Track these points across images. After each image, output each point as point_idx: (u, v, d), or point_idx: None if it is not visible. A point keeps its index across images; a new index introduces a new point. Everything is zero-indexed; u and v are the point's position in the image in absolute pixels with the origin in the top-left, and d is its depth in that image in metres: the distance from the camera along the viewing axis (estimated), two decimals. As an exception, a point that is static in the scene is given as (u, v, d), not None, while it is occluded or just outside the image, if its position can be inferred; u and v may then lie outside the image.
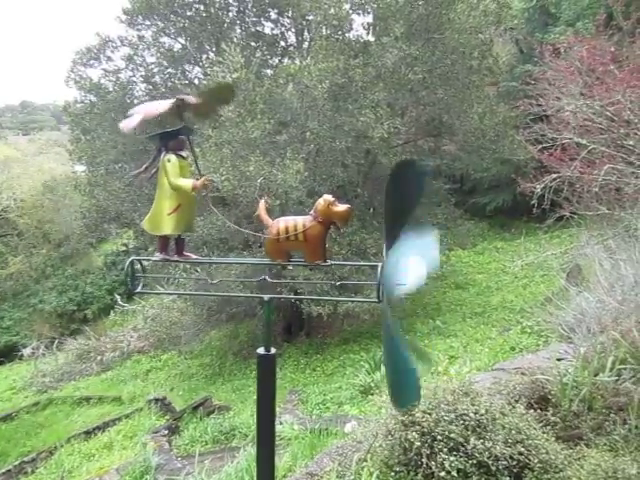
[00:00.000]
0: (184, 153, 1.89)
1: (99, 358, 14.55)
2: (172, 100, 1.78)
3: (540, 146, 7.95)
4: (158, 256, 1.90)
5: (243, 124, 9.91)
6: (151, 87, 12.77)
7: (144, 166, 1.91)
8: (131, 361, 14.37)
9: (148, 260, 1.97)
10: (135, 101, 12.44)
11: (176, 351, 13.21)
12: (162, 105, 1.76)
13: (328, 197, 1.76)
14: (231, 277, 8.90)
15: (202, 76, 12.98)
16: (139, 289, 1.92)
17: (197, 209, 2.03)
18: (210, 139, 9.86)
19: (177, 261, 1.94)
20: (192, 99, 1.82)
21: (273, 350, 1.85)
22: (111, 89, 12.48)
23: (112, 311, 17.94)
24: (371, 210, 12.41)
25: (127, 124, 1.76)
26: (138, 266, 1.94)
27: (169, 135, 1.85)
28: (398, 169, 1.63)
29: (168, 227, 1.84)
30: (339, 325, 12.04)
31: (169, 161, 1.81)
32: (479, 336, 9.46)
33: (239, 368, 11.76)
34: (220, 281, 2.21)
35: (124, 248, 20.05)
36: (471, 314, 11.18)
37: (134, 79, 12.82)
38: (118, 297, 16.64)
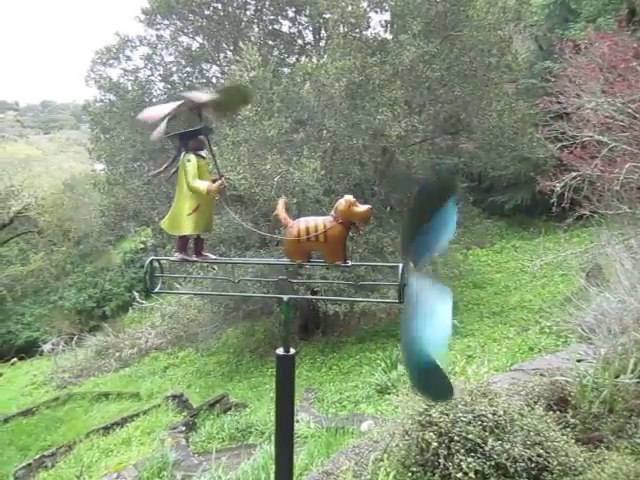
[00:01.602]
0: (203, 153, 1.89)
1: (117, 354, 14.71)
2: (178, 102, 1.78)
3: (560, 144, 7.85)
4: (177, 256, 1.91)
5: (260, 122, 9.94)
6: (169, 86, 12.86)
7: (164, 166, 1.91)
8: (149, 358, 14.49)
9: (167, 260, 1.98)
10: (154, 100, 12.53)
11: (193, 348, 13.29)
12: (166, 108, 1.76)
13: (349, 197, 1.75)
14: (248, 276, 8.94)
15: (220, 75, 13.04)
16: (157, 289, 1.93)
17: (214, 208, 2.03)
18: (227, 137, 9.91)
19: (196, 261, 1.95)
20: (202, 97, 1.82)
21: (292, 350, 1.85)
22: (130, 88, 12.58)
23: (130, 308, 18.14)
24: (388, 209, 12.39)
25: (147, 116, 1.77)
26: (157, 265, 1.95)
27: (188, 135, 1.85)
28: (425, 189, 1.62)
29: (188, 227, 1.84)
30: (355, 324, 12.03)
31: (189, 161, 1.81)
32: (497, 336, 9.39)
33: (256, 366, 11.80)
34: (239, 280, 2.21)
35: (142, 246, 20.26)
36: (489, 313, 11.08)
37: (152, 78, 12.92)
38: (136, 294, 16.83)
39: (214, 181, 1.85)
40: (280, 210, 1.86)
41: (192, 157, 1.81)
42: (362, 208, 1.76)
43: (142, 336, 15.34)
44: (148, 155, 12.17)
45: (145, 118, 1.77)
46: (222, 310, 11.89)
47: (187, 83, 12.89)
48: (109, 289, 20.47)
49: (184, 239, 1.88)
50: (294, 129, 10.71)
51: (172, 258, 1.89)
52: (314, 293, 10.45)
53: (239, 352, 12.84)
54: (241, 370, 11.88)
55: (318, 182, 9.84)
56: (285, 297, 1.91)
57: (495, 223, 15.76)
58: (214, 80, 13.20)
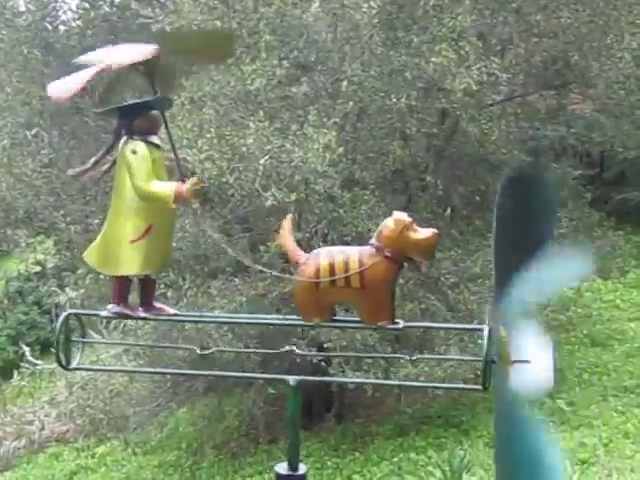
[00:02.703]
0: (156, 139, 1.89)
1: (-6, 449, 14.69)
2: (153, 47, 1.78)
3: None
4: (111, 309, 1.90)
5: (237, 67, 9.96)
6: (87, 5, 12.93)
7: (92, 160, 1.91)
8: (45, 455, 14.43)
9: (94, 316, 1.97)
10: (62, 28, 12.60)
11: (120, 441, 13.26)
12: (88, 72, 1.76)
13: (401, 216, 1.74)
14: (221, 343, 9.02)
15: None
16: (76, 363, 1.91)
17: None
18: (182, 93, 9.94)
19: (144, 319, 1.94)
20: (151, 49, 1.82)
21: (303, 468, 1.85)
22: (23, 8, 12.66)
23: (16, 372, 18.08)
24: (447, 211, 12.36)
25: (59, 90, 1.76)
26: (74, 322, 1.94)
27: (133, 110, 1.85)
28: (509, 186, 1.65)
29: (131, 263, 1.83)
30: (392, 403, 11.97)
31: (134, 152, 1.81)
32: (631, 428, 9.40)
33: (225, 472, 11.77)
34: (212, 352, 2.21)
35: (38, 268, 20.22)
36: (616, 389, 11.06)
37: (60, -8, 13.01)
38: (27, 349, 16.80)
39: (182, 180, 1.83)
40: (286, 237, 1.85)
41: (140, 146, 1.81)
42: (423, 234, 1.75)
43: (35, 419, 15.28)
44: (51, 119, 12.21)
45: (56, 97, 1.77)
46: (169, 379, 11.87)
47: (116, 1, 12.96)
48: (-19, 339, 20.48)
49: (124, 281, 1.86)
50: (294, 78, 10.72)
51: (103, 313, 1.89)
52: (322, 349, 10.43)
53: (196, 449, 12.77)
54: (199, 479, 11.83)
55: (333, 166, 9.83)
56: (291, 379, 1.89)
57: (628, 237, 15.66)
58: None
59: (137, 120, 1.83)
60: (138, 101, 1.86)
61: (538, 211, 1.64)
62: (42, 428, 15.02)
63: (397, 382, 10.11)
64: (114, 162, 1.89)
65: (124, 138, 1.85)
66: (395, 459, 10.56)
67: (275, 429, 11.91)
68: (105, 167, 1.90)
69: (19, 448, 14.72)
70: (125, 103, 1.87)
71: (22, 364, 17.22)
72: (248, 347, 9.71)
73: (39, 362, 16.17)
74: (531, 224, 1.65)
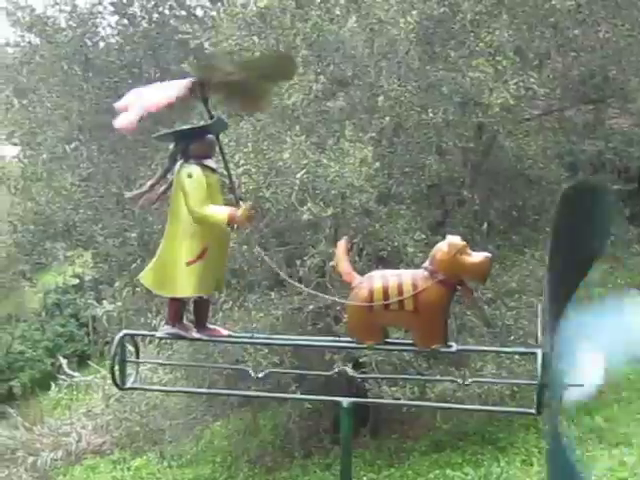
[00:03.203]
0: (212, 163, 1.90)
1: (31, 460, 14.74)
2: (189, 80, 1.80)
3: None
4: (166, 330, 1.91)
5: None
6: (126, 22, 13.05)
7: (148, 183, 1.93)
8: (82, 467, 14.48)
9: (149, 336, 1.98)
10: (101, 44, 12.73)
11: (156, 454, 13.28)
12: (172, 90, 1.78)
13: (455, 240, 1.75)
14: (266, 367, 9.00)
15: (209, 4, 13.21)
16: (131, 383, 1.93)
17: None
18: (219, 108, 10.00)
19: (199, 339, 1.95)
20: (213, 71, 1.84)
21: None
22: (64, 25, 12.79)
23: (54, 384, 18.21)
24: (484, 226, 12.29)
25: (125, 122, 1.78)
26: (129, 343, 1.95)
27: (189, 134, 1.87)
28: (570, 196, 1.63)
29: (187, 285, 1.85)
30: (428, 419, 11.88)
31: (190, 176, 1.83)
32: (672, 447, 9.25)
33: (259, 486, 11.76)
34: (263, 374, 2.21)
35: (76, 281, 20.39)
36: (656, 408, 10.92)
37: (99, 8, 13.11)
38: (64, 361, 16.92)
39: (237, 203, 1.84)
40: (341, 258, 1.86)
41: (196, 170, 1.82)
42: (477, 258, 1.76)
43: (72, 431, 15.34)
44: (90, 134, 12.33)
45: (124, 127, 1.78)
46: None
47: (155, 17, 13.07)
48: (19, 352, 20.62)
49: (179, 303, 1.87)
50: (330, 93, 10.75)
51: (158, 334, 1.90)
52: (357, 364, 10.39)
53: (231, 462, 12.78)
54: (234, 493, 11.86)
55: (369, 181, 9.82)
56: (345, 401, 1.90)
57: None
58: (199, 11, 13.38)
59: (193, 144, 1.85)
60: (195, 126, 1.87)
61: (595, 224, 1.62)
62: (79, 440, 15.07)
63: (444, 405, 10.03)
64: (170, 185, 1.90)
65: (180, 162, 1.86)
66: (431, 475, 10.49)
67: (310, 443, 11.87)
68: (161, 190, 1.92)
69: (56, 460, 14.75)
70: (182, 127, 1.88)
71: (59, 376, 17.37)
72: (284, 361, 9.71)
73: (76, 374, 16.30)
74: (586, 239, 1.63)
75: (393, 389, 10.20)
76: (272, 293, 10.52)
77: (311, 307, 9.88)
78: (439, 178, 11.36)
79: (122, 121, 1.80)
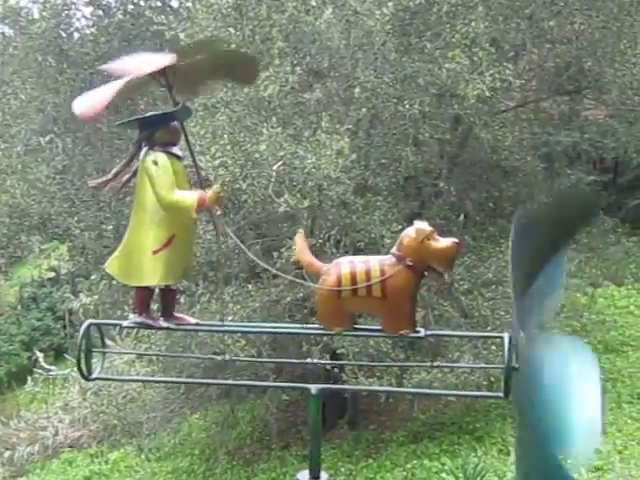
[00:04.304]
0: (177, 150, 1.90)
1: (7, 455, 14.68)
2: (160, 59, 1.78)
3: None
4: (133, 319, 1.90)
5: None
6: (101, 13, 12.96)
7: (113, 171, 1.92)
8: (59, 461, 14.44)
9: (115, 326, 1.98)
10: (75, 35, 12.63)
11: (133, 447, 13.24)
12: (113, 87, 1.76)
13: (422, 226, 1.74)
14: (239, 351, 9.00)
15: (184, -5, 13.14)
16: (97, 373, 1.92)
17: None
18: (195, 99, 9.95)
19: (166, 328, 1.94)
20: (173, 58, 1.83)
21: (324, 476, 1.84)
22: (37, 16, 12.67)
23: (30, 378, 18.10)
24: (461, 217, 12.34)
25: (85, 107, 1.77)
26: (95, 332, 1.94)
27: (155, 121, 1.86)
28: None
29: (153, 273, 1.84)
30: (406, 410, 11.95)
31: (155, 163, 1.82)
32: (646, 436, 9.35)
33: (237, 478, 11.75)
34: (229, 359, 2.21)
35: (52, 274, 20.28)
36: (631, 396, 11.06)
37: (73, 0, 13.02)
38: (40, 355, 16.82)
39: (203, 189, 1.84)
40: (302, 250, 1.85)
41: (161, 156, 1.81)
42: (444, 243, 1.75)
43: (49, 425, 15.27)
44: (65, 126, 12.23)
45: (84, 114, 1.77)
46: (182, 386, 11.86)
47: (129, 8, 12.98)
48: (-5, 345, 20.51)
49: (146, 292, 1.86)
50: (306, 85, 10.73)
51: (125, 323, 1.89)
52: (335, 355, 10.41)
53: (210, 455, 12.77)
54: (213, 486, 11.82)
55: (345, 172, 9.82)
56: (313, 388, 1.89)
57: (642, 244, 15.57)
58: (175, 2, 13.28)
59: (158, 131, 1.84)
60: (159, 112, 1.86)
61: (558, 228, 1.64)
62: (56, 434, 15.03)
63: (415, 390, 10.10)
64: (135, 173, 1.89)
65: (145, 149, 1.85)
66: (408, 465, 10.53)
67: (288, 435, 11.89)
68: (126, 178, 1.91)
69: (33, 454, 14.72)
70: (146, 114, 1.87)
71: (36, 370, 17.27)
72: (261, 353, 9.70)
73: (53, 368, 16.20)
74: (548, 240, 1.65)
75: (370, 380, 10.23)
76: (249, 285, 10.51)
77: (288, 299, 9.88)
78: (416, 169, 11.39)
79: (82, 107, 1.79)
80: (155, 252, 1.85)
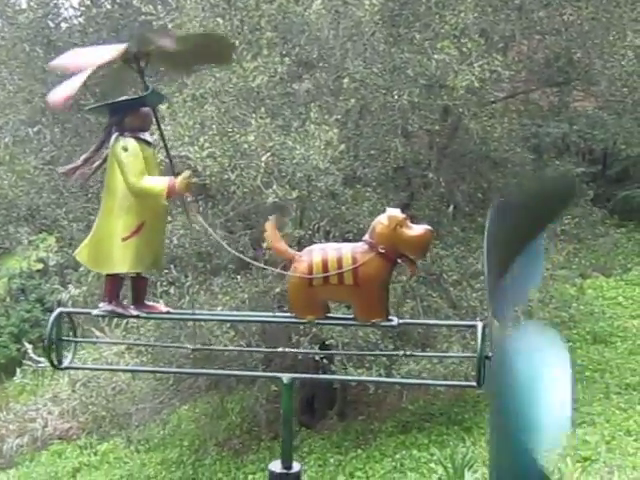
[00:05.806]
0: (147, 136, 1.89)
1: (-3, 447, 14.69)
2: (123, 45, 1.78)
3: None
4: (103, 308, 1.89)
5: (239, 64, 9.95)
6: (89, 2, 12.90)
7: (82, 157, 1.91)
8: (48, 453, 14.44)
9: (85, 314, 1.98)
10: (63, 25, 12.58)
11: (123, 438, 13.23)
12: (104, 54, 1.76)
13: (395, 212, 1.73)
14: (223, 341, 9.01)
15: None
16: (68, 362, 1.91)
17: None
18: (184, 90, 9.93)
19: (136, 317, 1.94)
20: (164, 41, 1.82)
21: (297, 467, 1.83)
22: (25, 6, 12.63)
23: (19, 370, 18.06)
24: (450, 209, 12.35)
25: (57, 97, 1.76)
26: (67, 320, 1.94)
27: (125, 106, 1.85)
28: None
29: (123, 261, 1.83)
30: (395, 401, 11.96)
31: (125, 149, 1.81)
32: (633, 426, 9.41)
33: (227, 469, 11.76)
34: (196, 349, 2.20)
35: (40, 266, 20.21)
36: (619, 387, 11.08)
37: (61, -10, 12.98)
38: (29, 347, 16.78)
39: (174, 175, 1.83)
40: (273, 237, 1.84)
41: (131, 142, 1.81)
42: (417, 231, 1.75)
43: (38, 417, 15.25)
44: (53, 116, 12.19)
45: (56, 103, 1.77)
46: (171, 376, 11.86)
47: (118, -1, 12.94)
48: (-16, 337, 20.45)
49: (116, 280, 1.86)
50: (295, 75, 10.71)
51: (95, 312, 1.88)
52: (324, 346, 10.41)
53: (199, 446, 12.77)
54: (202, 476, 11.82)
55: (334, 163, 9.82)
56: (285, 377, 1.88)
57: (631, 234, 15.63)
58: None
59: (128, 117, 1.83)
60: (128, 98, 1.85)
61: (539, 213, 1.64)
62: (45, 426, 15.00)
63: (392, 380, 10.03)
64: (105, 159, 1.88)
65: (115, 135, 1.84)
66: (397, 456, 10.55)
67: (277, 426, 11.85)
68: (96, 164, 1.90)
69: (22, 446, 14.71)
70: (115, 100, 1.86)
71: (25, 362, 17.21)
72: (250, 344, 9.70)
73: (42, 360, 16.12)
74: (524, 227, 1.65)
75: (359, 370, 10.25)
76: (238, 276, 10.50)
77: (277, 290, 9.87)
78: (405, 160, 11.39)
79: (52, 97, 1.78)
80: (124, 239, 1.85)
